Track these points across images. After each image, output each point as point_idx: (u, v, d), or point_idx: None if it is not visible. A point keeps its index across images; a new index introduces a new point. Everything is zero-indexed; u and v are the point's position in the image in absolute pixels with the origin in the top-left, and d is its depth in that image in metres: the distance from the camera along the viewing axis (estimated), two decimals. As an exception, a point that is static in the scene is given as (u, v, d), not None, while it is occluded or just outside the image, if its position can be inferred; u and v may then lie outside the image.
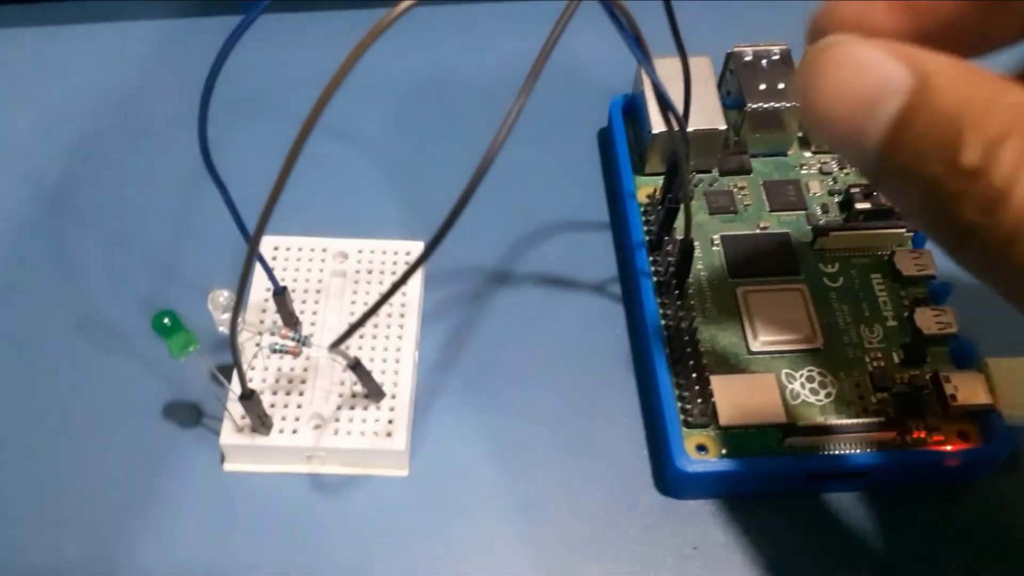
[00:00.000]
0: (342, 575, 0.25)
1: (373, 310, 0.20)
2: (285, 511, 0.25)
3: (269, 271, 0.25)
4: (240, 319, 0.25)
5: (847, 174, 0.31)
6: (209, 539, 0.25)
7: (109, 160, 0.33)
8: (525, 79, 0.19)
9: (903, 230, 0.29)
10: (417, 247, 0.29)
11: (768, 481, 0.25)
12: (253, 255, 0.21)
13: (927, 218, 0.16)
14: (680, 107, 0.24)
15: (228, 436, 0.25)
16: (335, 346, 0.22)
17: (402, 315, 0.28)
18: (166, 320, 0.23)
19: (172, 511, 0.25)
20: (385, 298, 0.20)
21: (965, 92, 0.16)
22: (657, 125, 0.30)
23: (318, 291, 0.28)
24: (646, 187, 0.31)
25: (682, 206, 0.27)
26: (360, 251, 0.29)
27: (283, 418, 0.26)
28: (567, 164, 0.33)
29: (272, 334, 0.27)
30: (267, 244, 0.29)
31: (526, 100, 0.19)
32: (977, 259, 0.16)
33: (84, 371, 0.28)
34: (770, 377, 0.26)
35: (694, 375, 0.26)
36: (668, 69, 0.24)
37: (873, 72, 0.16)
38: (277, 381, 0.26)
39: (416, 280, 0.29)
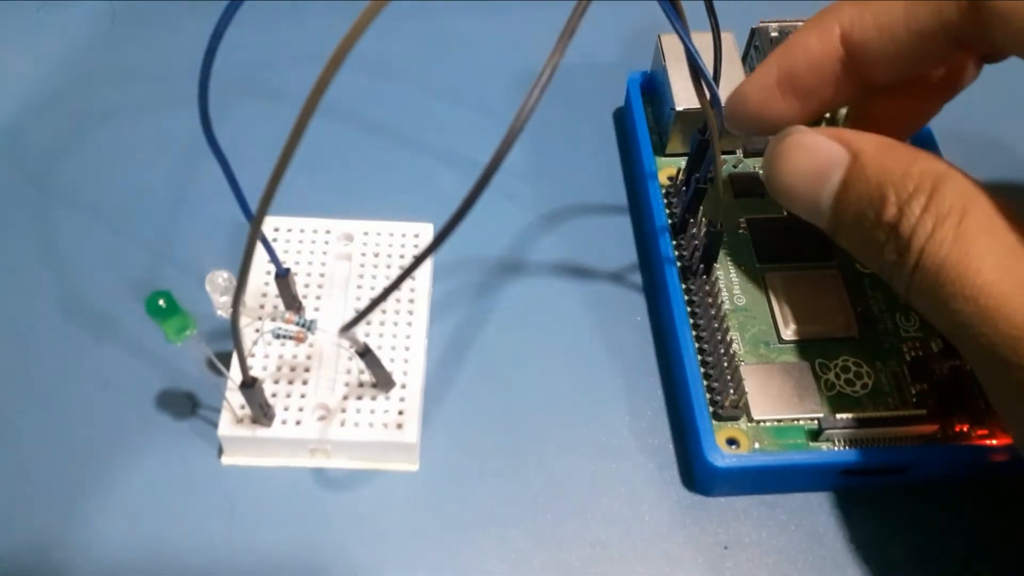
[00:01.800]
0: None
1: (390, 290, 0.19)
2: (287, 508, 0.24)
3: (272, 251, 0.24)
4: (240, 302, 0.23)
5: (876, 156, 0.30)
6: (205, 537, 0.23)
7: (97, 137, 0.31)
8: (559, 37, 0.17)
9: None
10: (426, 229, 0.28)
11: (803, 477, 0.24)
12: (256, 232, 0.19)
13: (865, 257, 0.22)
14: (711, 78, 0.23)
15: (227, 427, 0.24)
16: (347, 329, 0.20)
17: (411, 300, 0.26)
18: (161, 301, 0.21)
19: (166, 507, 0.24)
20: (401, 279, 0.18)
21: (886, 163, 0.21)
22: (681, 102, 0.28)
23: (321, 275, 0.27)
24: (667, 168, 0.29)
25: (711, 187, 0.26)
26: (366, 233, 0.27)
27: (286, 408, 0.24)
28: (581, 145, 0.32)
29: (273, 319, 0.25)
30: (268, 225, 0.27)
31: (560, 59, 0.17)
32: (898, 288, 0.21)
33: (71, 358, 0.26)
34: (803, 367, 0.25)
35: (724, 365, 0.24)
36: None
37: (819, 153, 0.22)
38: (279, 369, 0.25)
39: (426, 264, 0.27)
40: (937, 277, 0.20)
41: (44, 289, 0.27)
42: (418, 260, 0.18)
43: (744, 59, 0.30)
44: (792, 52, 0.23)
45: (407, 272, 0.18)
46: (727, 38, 0.29)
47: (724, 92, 0.27)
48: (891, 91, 0.24)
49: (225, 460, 0.25)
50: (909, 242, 0.20)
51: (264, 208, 0.18)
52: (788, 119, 0.23)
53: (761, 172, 0.24)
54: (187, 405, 0.25)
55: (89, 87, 0.32)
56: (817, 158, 0.22)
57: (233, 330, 0.20)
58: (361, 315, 0.19)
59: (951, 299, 0.19)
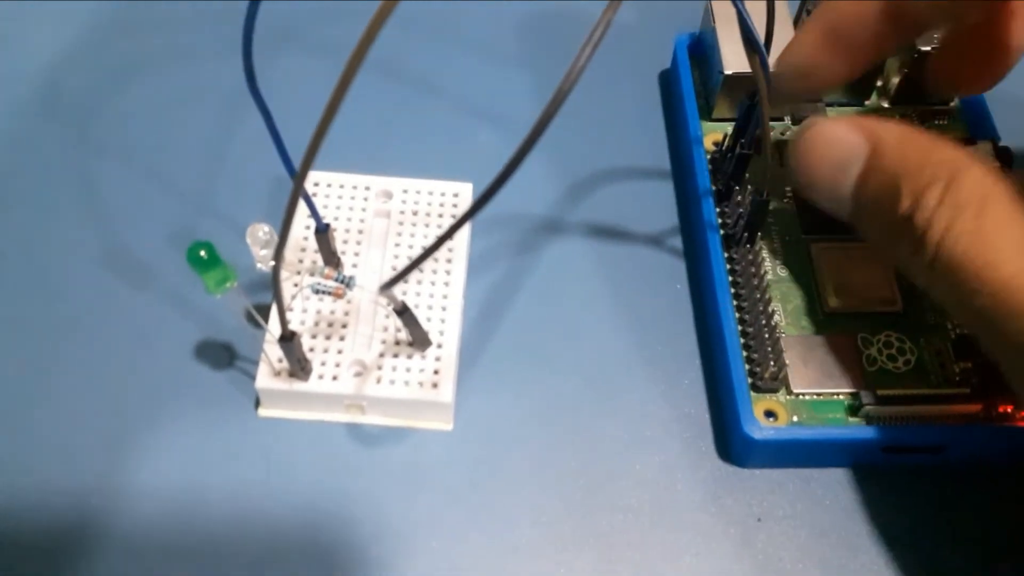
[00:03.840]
0: (380, 530, 0.23)
1: (430, 252, 0.18)
2: (321, 461, 0.24)
3: (313, 206, 0.23)
4: (281, 256, 0.23)
5: (929, 128, 0.29)
6: (240, 487, 0.24)
7: (139, 87, 0.31)
8: (613, -6, 0.17)
9: (991, 189, 0.27)
10: (465, 188, 0.27)
11: (840, 452, 0.24)
12: (300, 187, 0.19)
13: (884, 252, 0.22)
14: (761, 43, 0.22)
15: (264, 380, 0.24)
16: (387, 287, 0.20)
17: (449, 260, 0.26)
18: (202, 252, 0.21)
19: (202, 456, 0.24)
20: (442, 240, 0.18)
21: (905, 152, 0.20)
22: (729, 66, 0.27)
23: (360, 231, 0.27)
24: (713, 133, 0.28)
25: (759, 155, 0.25)
26: (405, 191, 0.27)
27: (323, 363, 0.24)
28: (625, 108, 0.31)
29: (312, 274, 0.25)
30: (308, 180, 0.27)
31: (614, 15, 0.16)
32: (918, 282, 0.21)
33: (112, 306, 0.26)
34: (846, 341, 0.24)
35: (765, 336, 0.24)
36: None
37: (840, 144, 0.21)
38: (317, 324, 0.25)
39: (464, 225, 0.27)
40: (957, 272, 0.19)
41: (85, 239, 0.27)
42: (459, 222, 0.18)
43: (796, 23, 0.29)
44: (834, 8, 0.23)
45: (447, 234, 0.18)
46: (779, 3, 0.29)
47: (775, 57, 0.27)
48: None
49: (262, 412, 0.25)
50: (924, 236, 0.19)
51: (308, 164, 0.17)
52: (837, 77, 0.23)
53: (790, 164, 0.23)
54: (225, 357, 0.25)
55: (131, 36, 0.32)
56: (838, 149, 0.22)
57: (274, 283, 0.20)
58: (400, 275, 0.19)
59: (973, 295, 0.19)
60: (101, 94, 0.31)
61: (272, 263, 0.20)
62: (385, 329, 0.25)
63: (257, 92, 0.20)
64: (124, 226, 0.28)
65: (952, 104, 0.29)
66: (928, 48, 0.28)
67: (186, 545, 0.23)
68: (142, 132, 0.30)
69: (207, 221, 0.28)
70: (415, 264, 0.19)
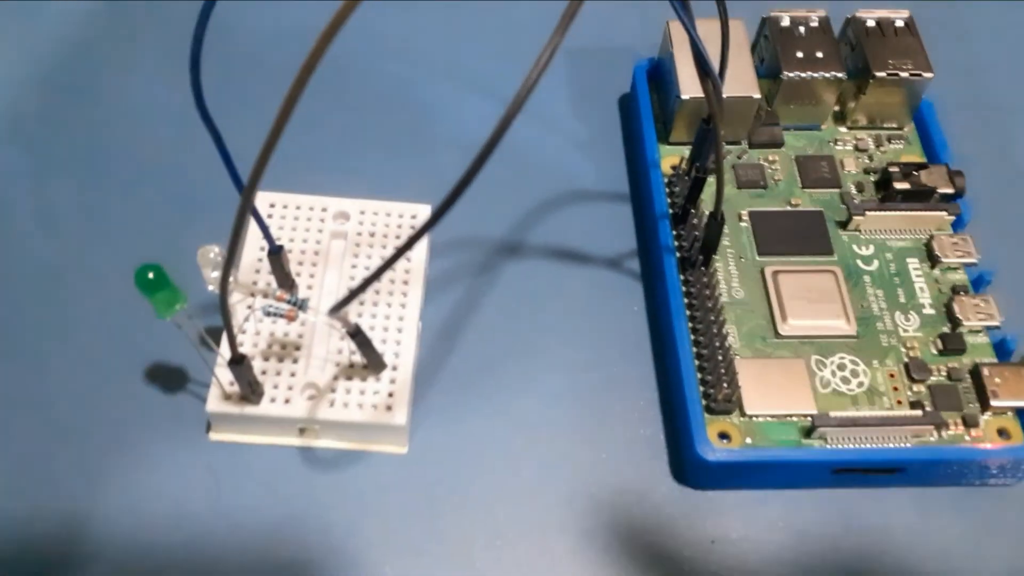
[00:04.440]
0: (333, 557, 0.23)
1: (379, 272, 0.18)
2: (274, 486, 0.24)
3: (265, 227, 0.23)
4: (232, 278, 0.23)
5: (884, 152, 0.29)
6: (191, 513, 0.23)
7: (94, 107, 0.31)
8: (561, 17, 0.17)
9: (943, 213, 0.27)
10: (424, 210, 0.27)
11: (794, 473, 0.24)
12: (247, 207, 0.19)
13: None
14: (716, 69, 0.23)
15: (215, 403, 0.23)
16: (336, 310, 0.20)
17: (405, 282, 0.26)
18: (151, 275, 0.21)
19: (152, 481, 0.24)
20: (393, 260, 0.18)
21: None
22: (686, 90, 0.28)
23: (316, 253, 0.26)
24: (671, 157, 0.29)
25: (712, 177, 0.25)
26: (362, 212, 0.27)
27: (275, 386, 0.24)
28: (585, 131, 0.31)
29: (265, 296, 0.25)
30: (263, 201, 0.27)
31: (561, 40, 0.17)
32: None
33: (60, 329, 0.26)
34: (799, 363, 0.25)
35: (719, 358, 0.24)
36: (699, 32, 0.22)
37: None
38: (270, 347, 0.24)
39: (421, 246, 0.27)
40: None
41: (34, 258, 0.27)
42: (410, 242, 0.17)
43: (753, 48, 0.30)
44: None
45: (399, 254, 0.18)
46: (736, 26, 0.29)
47: (730, 82, 0.27)
48: None
49: (213, 436, 0.24)
50: None
51: (254, 182, 0.17)
52: None
53: None
54: (176, 380, 0.25)
55: (88, 57, 0.32)
56: None
57: (222, 306, 0.20)
58: (351, 296, 0.19)
59: None
60: (55, 114, 0.30)
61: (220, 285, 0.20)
62: (339, 352, 0.24)
63: (205, 111, 0.20)
64: (74, 246, 0.27)
65: (906, 129, 0.30)
66: (883, 74, 0.28)
67: (133, 569, 0.22)
68: (93, 152, 0.30)
69: (158, 242, 0.28)
70: (365, 285, 0.19)
